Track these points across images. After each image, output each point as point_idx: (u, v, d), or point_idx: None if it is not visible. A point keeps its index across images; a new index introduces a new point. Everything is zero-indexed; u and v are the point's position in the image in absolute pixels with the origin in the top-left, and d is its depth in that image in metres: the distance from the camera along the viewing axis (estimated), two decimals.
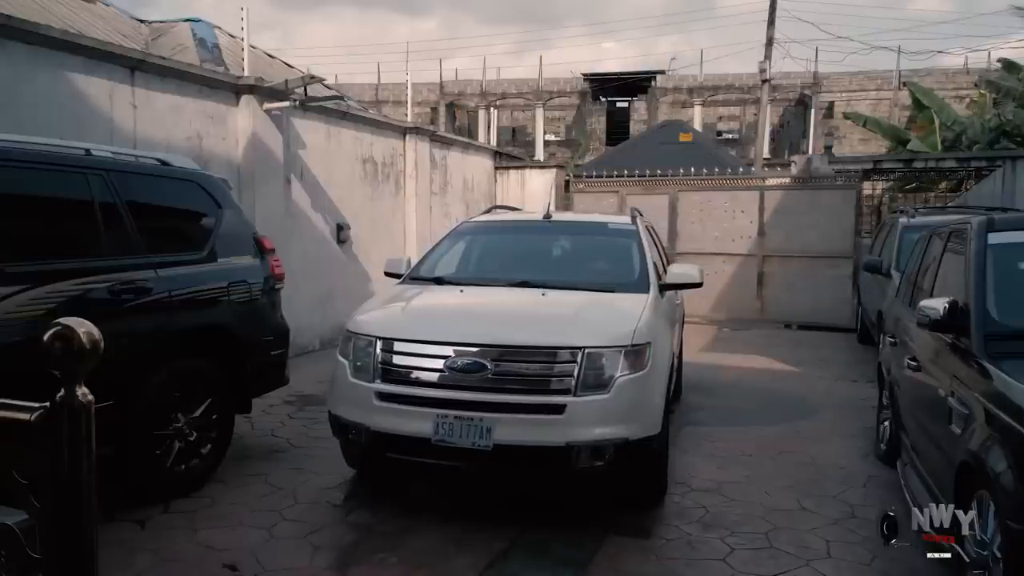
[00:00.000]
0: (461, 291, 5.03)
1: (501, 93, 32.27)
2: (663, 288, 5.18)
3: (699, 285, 5.36)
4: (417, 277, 5.35)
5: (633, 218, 6.00)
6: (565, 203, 15.00)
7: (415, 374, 4.12)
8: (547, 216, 6.09)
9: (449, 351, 4.05)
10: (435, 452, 3.95)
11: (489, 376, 3.96)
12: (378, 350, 4.19)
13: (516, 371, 4.02)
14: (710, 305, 12.66)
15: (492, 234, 6.14)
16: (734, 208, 13.03)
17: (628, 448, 4.00)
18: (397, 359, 4.16)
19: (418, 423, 3.96)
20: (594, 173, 14.50)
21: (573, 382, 3.94)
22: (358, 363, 4.27)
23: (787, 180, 13.76)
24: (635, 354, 4.10)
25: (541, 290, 4.83)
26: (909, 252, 6.16)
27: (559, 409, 3.91)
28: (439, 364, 4.04)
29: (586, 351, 3.99)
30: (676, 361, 6.03)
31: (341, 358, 4.40)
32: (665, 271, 5.56)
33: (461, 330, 4.27)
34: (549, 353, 4.06)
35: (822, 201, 12.47)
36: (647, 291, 4.89)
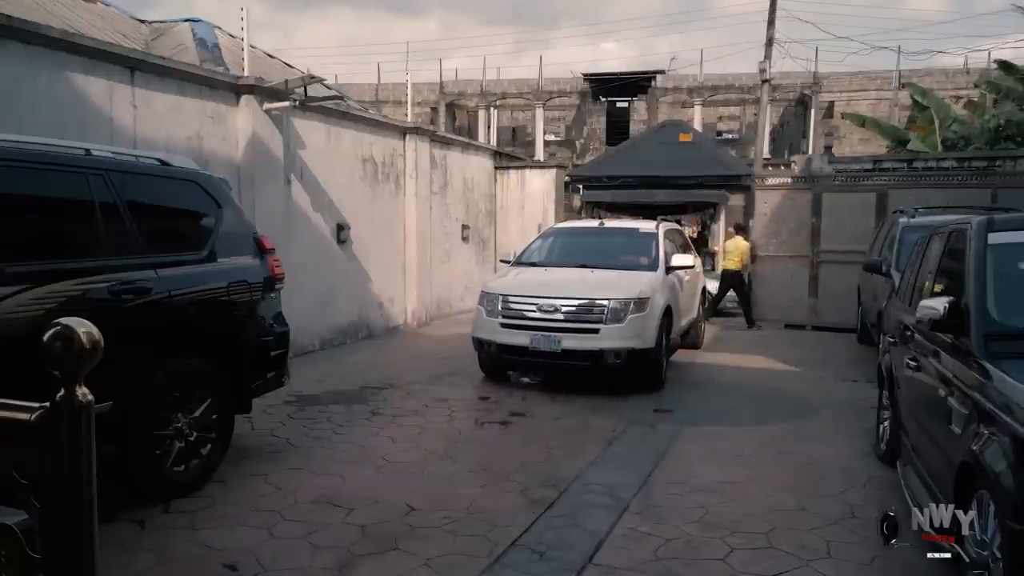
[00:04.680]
0: (546, 271, 8.48)
1: (501, 93, 32.19)
2: (669, 269, 8.29)
3: (692, 267, 8.95)
4: (520, 262, 8.85)
5: (657, 224, 9.10)
6: (566, 203, 15.00)
7: (521, 312, 7.49)
8: (601, 223, 10.12)
9: (540, 301, 7.44)
10: (530, 353, 7.36)
11: (560, 314, 7.33)
12: (500, 301, 7.64)
13: (574, 311, 7.34)
14: None
15: (565, 236, 9.55)
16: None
17: (635, 353, 7.26)
18: (512, 305, 7.57)
19: (522, 338, 7.36)
20: (596, 173, 14.44)
21: (603, 317, 7.24)
22: (489, 308, 7.70)
23: None
24: (640, 303, 7.34)
25: (592, 269, 8.08)
26: (909, 252, 6.15)
27: (596, 331, 7.25)
28: (534, 308, 7.44)
29: (611, 301, 7.28)
30: (693, 317, 9.70)
31: (479, 306, 7.89)
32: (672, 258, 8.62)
33: (546, 291, 7.61)
34: (591, 302, 7.35)
35: None
36: (656, 270, 8.13)
